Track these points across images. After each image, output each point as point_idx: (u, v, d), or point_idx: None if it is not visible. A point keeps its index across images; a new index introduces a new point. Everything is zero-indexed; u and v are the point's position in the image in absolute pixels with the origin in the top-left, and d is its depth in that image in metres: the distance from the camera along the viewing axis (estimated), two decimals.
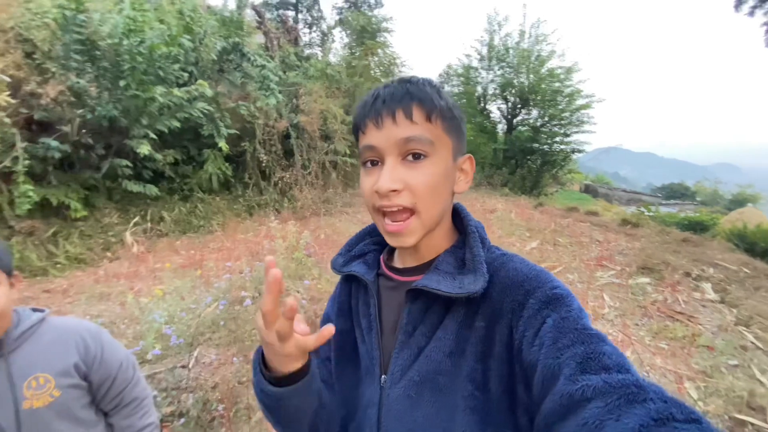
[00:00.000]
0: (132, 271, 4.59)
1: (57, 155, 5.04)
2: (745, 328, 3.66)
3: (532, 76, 13.00)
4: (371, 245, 0.71)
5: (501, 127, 14.56)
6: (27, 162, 4.77)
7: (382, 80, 11.14)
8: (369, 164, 0.58)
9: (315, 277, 3.93)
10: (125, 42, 5.24)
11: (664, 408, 0.35)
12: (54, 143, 4.95)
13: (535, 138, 13.46)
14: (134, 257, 4.98)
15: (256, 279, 3.84)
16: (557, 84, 12.81)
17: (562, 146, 13.66)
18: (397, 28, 12.95)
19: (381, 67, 11.60)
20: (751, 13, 7.71)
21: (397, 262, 0.66)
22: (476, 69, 14.45)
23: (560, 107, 12.93)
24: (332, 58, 12.15)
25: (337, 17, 14.58)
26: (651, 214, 9.57)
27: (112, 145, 5.86)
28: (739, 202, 20.02)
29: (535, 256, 5.53)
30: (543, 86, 12.77)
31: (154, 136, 5.85)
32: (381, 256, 0.69)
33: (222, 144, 6.66)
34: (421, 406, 0.55)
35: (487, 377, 0.52)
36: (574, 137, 13.39)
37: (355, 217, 7.52)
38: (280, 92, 7.80)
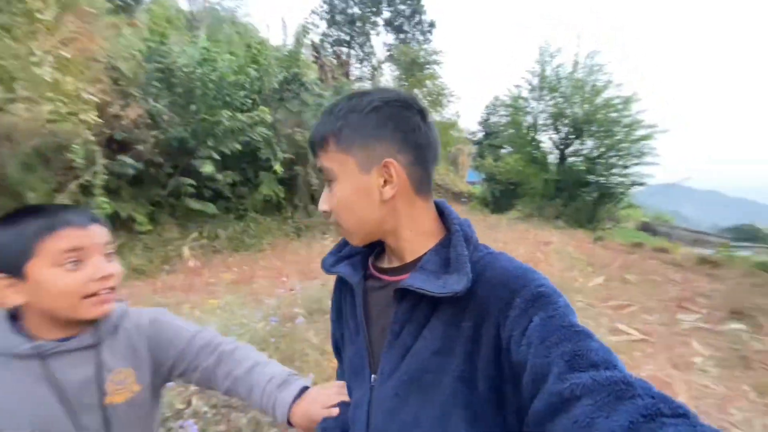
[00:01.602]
0: (187, 283, 4.69)
1: (131, 172, 5.43)
2: None
3: (586, 105, 12.59)
4: (360, 247, 0.69)
5: (553, 158, 14.08)
6: (104, 177, 5.16)
7: (431, 109, 11.29)
8: None
9: None
10: (198, 70, 5.69)
11: (652, 404, 0.36)
12: (129, 161, 5.34)
13: (590, 169, 12.84)
14: (190, 271, 5.12)
15: (307, 297, 3.75)
16: (614, 114, 12.28)
17: (621, 178, 12.91)
18: (447, 60, 13.23)
19: (429, 97, 11.78)
20: None
21: (385, 263, 0.66)
22: (526, 99, 14.26)
23: (618, 137, 12.32)
24: None
25: (387, 53, 15.21)
26: (726, 254, 8.48)
27: (178, 165, 6.24)
28: None
29: (601, 293, 5.04)
30: (599, 116, 12.30)
31: (217, 157, 6.17)
32: (369, 258, 0.69)
33: (277, 167, 6.89)
34: (409, 404, 0.56)
35: (475, 376, 0.52)
36: (633, 169, 12.64)
37: None
38: None
